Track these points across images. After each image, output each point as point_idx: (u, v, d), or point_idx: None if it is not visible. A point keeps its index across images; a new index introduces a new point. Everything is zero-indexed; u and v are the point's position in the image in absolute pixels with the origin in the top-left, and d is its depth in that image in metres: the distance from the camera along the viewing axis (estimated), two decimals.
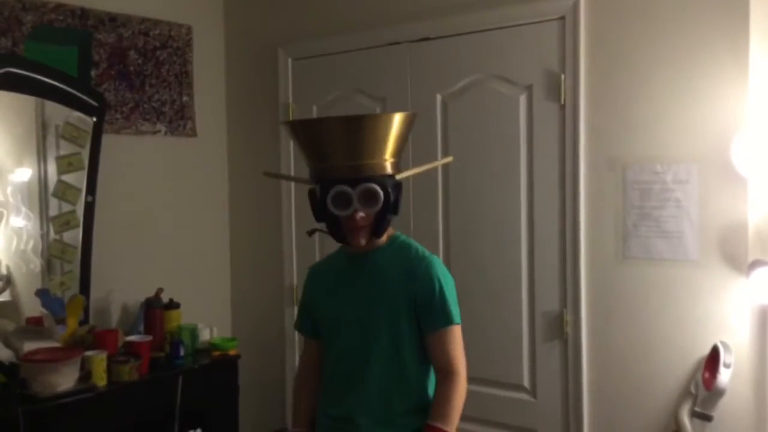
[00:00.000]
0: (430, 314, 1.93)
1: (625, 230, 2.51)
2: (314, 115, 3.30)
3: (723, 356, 2.24)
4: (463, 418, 2.85)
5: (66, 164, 2.92)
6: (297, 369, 2.28)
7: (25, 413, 2.38)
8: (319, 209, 1.90)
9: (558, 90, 2.63)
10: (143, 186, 3.24)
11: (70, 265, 2.97)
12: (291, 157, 3.37)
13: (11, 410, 2.37)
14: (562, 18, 2.61)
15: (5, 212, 2.93)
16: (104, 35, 3.09)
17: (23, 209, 2.90)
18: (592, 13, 2.56)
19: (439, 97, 2.94)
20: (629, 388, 2.51)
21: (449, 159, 2.35)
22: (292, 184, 3.37)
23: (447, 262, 2.92)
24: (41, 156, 2.99)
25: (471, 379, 2.80)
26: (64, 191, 2.91)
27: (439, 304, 1.93)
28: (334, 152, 1.88)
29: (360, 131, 1.87)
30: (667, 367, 2.43)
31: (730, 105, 2.31)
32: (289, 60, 3.39)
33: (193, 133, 3.45)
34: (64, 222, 2.92)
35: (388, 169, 1.90)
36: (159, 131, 3.31)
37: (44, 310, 2.81)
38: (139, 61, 3.23)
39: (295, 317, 2.24)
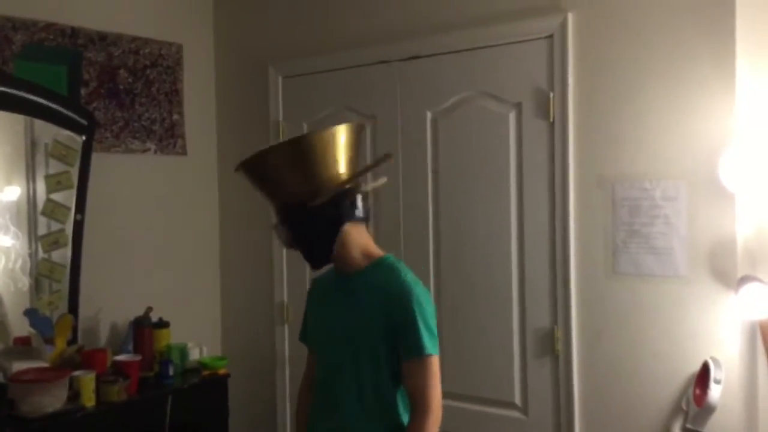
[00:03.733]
0: (404, 343, 1.87)
1: (614, 246, 2.52)
2: (305, 132, 3.30)
3: (713, 372, 2.24)
4: None
5: (55, 183, 2.91)
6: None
7: None
8: None
9: (547, 107, 2.65)
10: (133, 204, 3.23)
11: (59, 284, 2.95)
12: None
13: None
14: (551, 36, 2.64)
15: None
16: (94, 54, 3.09)
17: (11, 228, 2.88)
18: (580, 32, 2.59)
19: (429, 115, 2.95)
20: (620, 404, 2.51)
21: (383, 181, 2.19)
22: None
23: (437, 279, 2.93)
24: (30, 175, 2.97)
25: (463, 397, 2.85)
26: (52, 210, 2.90)
27: (412, 333, 1.85)
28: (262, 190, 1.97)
29: (265, 169, 1.93)
30: (657, 383, 2.43)
31: (717, 121, 2.33)
32: (280, 78, 3.40)
33: (184, 152, 3.45)
34: (52, 241, 2.91)
35: (282, 209, 1.91)
36: (149, 150, 3.30)
37: (32, 330, 2.79)
38: (129, 80, 3.24)
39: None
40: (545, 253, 2.67)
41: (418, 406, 1.87)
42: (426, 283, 2.89)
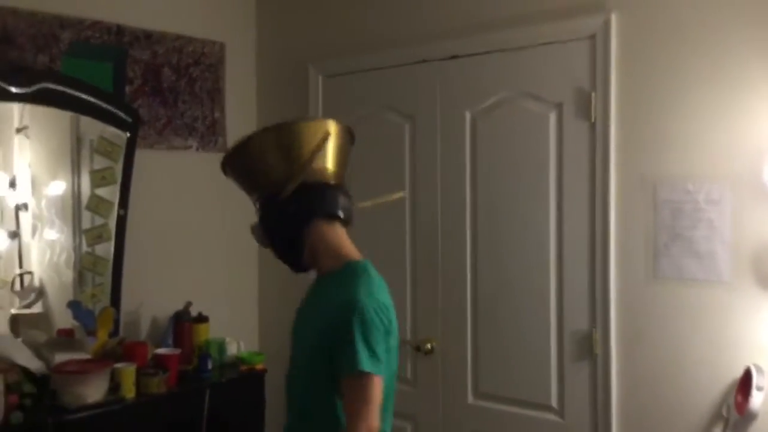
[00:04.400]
0: (339, 358, 1.70)
1: (656, 249, 2.48)
2: None
3: (756, 379, 2.20)
4: None
5: (99, 178, 2.97)
6: None
7: (55, 424, 2.41)
8: None
9: (588, 108, 2.62)
10: (174, 200, 3.28)
11: (102, 277, 3.01)
12: None
13: (41, 421, 2.40)
14: (593, 36, 2.61)
15: (39, 225, 2.99)
16: (139, 52, 3.15)
17: (57, 222, 2.96)
18: (623, 32, 2.55)
19: (468, 115, 2.94)
20: (659, 410, 2.47)
21: (399, 195, 2.15)
22: None
23: (474, 279, 2.91)
24: (75, 170, 3.05)
25: (498, 398, 2.83)
26: (97, 204, 2.96)
27: (349, 349, 1.67)
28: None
29: (237, 167, 1.92)
30: (698, 389, 2.38)
31: (763, 124, 2.28)
32: (320, 77, 3.42)
33: (225, 149, 3.48)
34: (96, 235, 2.97)
35: (271, 188, 1.82)
36: (191, 147, 3.35)
37: (75, 322, 2.85)
38: (173, 78, 3.29)
39: None
40: (585, 255, 2.64)
41: (349, 427, 1.68)
42: (462, 284, 2.91)
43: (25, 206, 2.96)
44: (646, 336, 2.50)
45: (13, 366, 2.50)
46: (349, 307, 1.69)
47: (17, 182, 2.93)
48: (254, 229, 1.90)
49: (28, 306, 2.97)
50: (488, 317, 2.88)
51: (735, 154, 2.33)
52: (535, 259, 2.76)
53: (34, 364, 2.57)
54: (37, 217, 2.97)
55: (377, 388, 1.68)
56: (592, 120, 2.61)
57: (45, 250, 3.03)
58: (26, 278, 2.98)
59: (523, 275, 2.80)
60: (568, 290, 2.68)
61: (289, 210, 1.81)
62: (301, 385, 1.83)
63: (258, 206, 1.88)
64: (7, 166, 2.90)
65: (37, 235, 2.98)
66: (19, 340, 2.72)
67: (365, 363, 1.65)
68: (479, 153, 2.91)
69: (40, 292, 3.04)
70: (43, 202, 3.01)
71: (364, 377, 1.66)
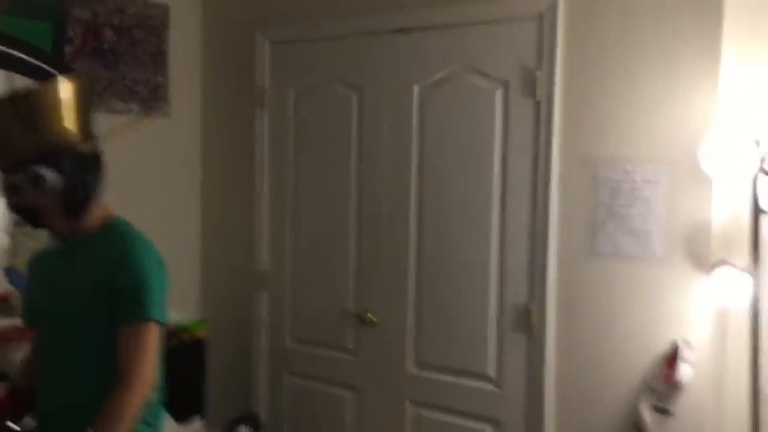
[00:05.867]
0: (124, 305, 1.79)
1: (594, 226, 2.56)
2: (291, 100, 3.29)
3: (683, 353, 2.31)
4: (428, 405, 2.94)
5: None
6: None
7: None
8: None
9: (533, 86, 2.67)
10: (114, 165, 3.18)
11: (37, 242, 2.93)
12: (265, 141, 3.37)
13: None
14: (541, 16, 2.65)
15: None
16: (79, 11, 3.05)
17: None
18: (570, 12, 2.60)
19: (416, 88, 2.95)
20: (593, 380, 2.57)
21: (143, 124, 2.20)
22: (266, 167, 3.36)
23: (419, 251, 2.95)
24: None
25: (438, 368, 2.89)
26: None
27: (134, 295, 1.79)
28: None
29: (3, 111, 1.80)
30: (630, 361, 2.49)
31: (700, 108, 2.37)
32: (267, 43, 3.37)
33: (167, 114, 3.42)
34: None
35: (52, 146, 1.79)
36: (132, 111, 3.27)
37: (11, 287, 2.78)
38: (114, 39, 3.20)
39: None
40: (525, 231, 2.70)
41: (123, 376, 1.75)
42: (406, 255, 2.96)
43: None
44: (581, 309, 2.60)
45: None
46: (131, 256, 1.87)
47: None
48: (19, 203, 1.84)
49: None
50: (430, 289, 2.93)
51: (673, 138, 2.42)
52: (478, 233, 2.81)
53: None
54: None
55: (156, 338, 1.86)
56: (537, 99, 2.66)
57: None
58: None
59: (465, 249, 2.85)
60: (508, 264, 2.75)
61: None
62: (79, 347, 1.87)
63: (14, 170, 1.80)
64: None
65: None
66: None
67: (154, 311, 1.85)
68: (426, 127, 2.94)
69: None
70: None
71: (149, 325, 1.84)
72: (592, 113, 2.57)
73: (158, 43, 3.38)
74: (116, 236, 1.90)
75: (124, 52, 3.24)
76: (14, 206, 1.84)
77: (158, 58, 3.39)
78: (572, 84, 2.60)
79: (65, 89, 1.82)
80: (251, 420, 3.20)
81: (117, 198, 3.20)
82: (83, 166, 1.84)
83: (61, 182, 1.78)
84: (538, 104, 2.66)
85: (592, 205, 2.56)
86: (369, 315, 3.07)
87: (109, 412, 1.74)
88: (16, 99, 1.81)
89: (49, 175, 1.77)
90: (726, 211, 2.36)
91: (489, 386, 2.81)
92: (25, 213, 1.86)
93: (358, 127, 3.11)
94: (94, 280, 1.83)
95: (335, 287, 3.18)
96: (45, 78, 2.85)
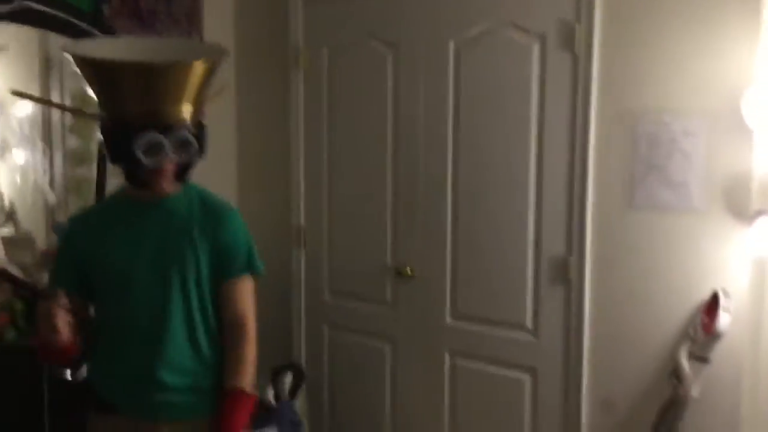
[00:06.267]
0: (233, 260, 1.92)
1: (632, 179, 2.59)
2: (326, 58, 3.31)
3: (722, 301, 2.35)
4: (465, 355, 3.01)
5: (80, 100, 2.94)
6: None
7: None
8: (118, 153, 1.79)
9: (572, 40, 2.67)
10: None
11: (85, 199, 3.01)
12: (300, 99, 3.40)
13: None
14: None
15: (7, 146, 2.94)
16: None
17: (39, 144, 2.93)
18: None
19: (452, 44, 2.96)
20: (630, 331, 2.62)
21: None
22: (301, 125, 3.40)
23: (455, 205, 2.99)
24: (45, 91, 3.00)
25: (476, 318, 2.96)
26: (80, 127, 2.94)
27: (244, 248, 1.95)
28: (136, 96, 1.75)
29: (163, 77, 1.76)
30: (668, 311, 2.54)
31: (741, 59, 2.37)
32: (300, 1, 3.38)
33: None
34: (79, 157, 2.96)
35: (192, 114, 1.83)
36: None
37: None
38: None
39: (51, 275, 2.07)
40: (563, 184, 2.73)
41: (241, 326, 1.91)
42: (443, 210, 3.01)
43: None
44: (620, 261, 2.63)
45: (3, 285, 2.53)
46: (233, 216, 2.02)
47: None
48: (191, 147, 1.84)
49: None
50: (467, 242, 2.98)
51: (713, 90, 2.42)
52: (515, 187, 2.84)
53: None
54: (4, 139, 2.93)
55: None
56: (575, 52, 2.67)
57: (14, 172, 3.00)
58: None
59: (502, 202, 2.89)
60: (546, 217, 2.78)
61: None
62: (187, 305, 1.90)
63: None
64: None
65: (5, 157, 2.94)
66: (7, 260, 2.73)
67: (260, 267, 2.04)
68: (462, 83, 2.95)
69: (9, 214, 3.02)
70: (13, 123, 2.96)
71: (252, 280, 2.00)
72: (631, 66, 2.57)
73: (193, 3, 3.40)
74: (201, 196, 1.96)
75: (160, 11, 3.27)
76: (151, 163, 1.77)
77: (193, 17, 3.41)
78: (611, 36, 2.60)
79: (210, 63, 1.85)
80: (294, 369, 3.30)
81: None
82: (205, 135, 1.89)
83: (196, 148, 1.83)
84: (576, 57, 2.67)
85: (631, 158, 2.58)
86: (406, 268, 3.13)
87: (242, 363, 1.88)
88: (178, 67, 1.78)
89: (192, 140, 1.80)
90: (766, 161, 2.37)
91: (526, 336, 2.87)
92: (149, 171, 1.81)
93: (394, 84, 3.13)
94: (196, 237, 1.88)
95: (372, 241, 3.24)
96: (81, 36, 2.92)
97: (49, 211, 3.02)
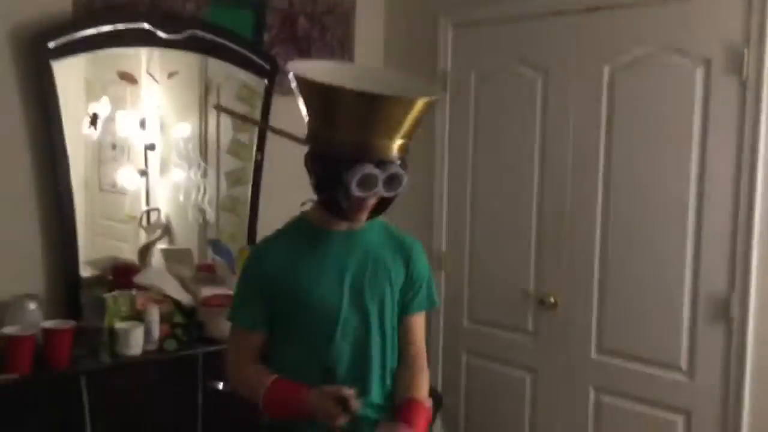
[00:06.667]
0: (420, 293, 1.87)
1: None
2: (473, 83, 3.31)
3: None
4: (619, 393, 2.88)
5: (240, 123, 3.09)
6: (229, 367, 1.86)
7: (204, 353, 2.58)
8: (326, 181, 1.68)
9: (740, 64, 2.52)
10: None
11: (239, 218, 3.16)
12: (446, 124, 3.41)
13: (192, 350, 2.58)
14: None
15: (167, 165, 3.11)
16: (278, 1, 3.22)
17: (202, 165, 3.10)
18: None
19: (606, 70, 2.88)
20: None
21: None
22: (446, 149, 3.41)
23: (604, 239, 2.89)
24: (203, 114, 3.17)
25: (623, 355, 2.83)
26: (237, 149, 3.09)
27: (428, 285, 1.89)
28: (355, 126, 1.63)
29: (387, 110, 1.63)
30: None
31: None
32: (450, 26, 3.41)
33: None
34: (236, 178, 3.11)
35: (402, 149, 1.69)
36: None
37: (216, 258, 3.01)
38: (307, 26, 3.35)
39: (235, 308, 1.85)
40: (727, 215, 2.57)
41: (420, 363, 1.88)
42: (590, 239, 2.91)
43: (153, 146, 3.10)
44: None
45: (166, 297, 2.68)
46: (420, 249, 1.91)
47: (147, 123, 3.05)
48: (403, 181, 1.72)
49: (154, 242, 3.14)
50: (616, 273, 2.87)
51: None
52: (672, 217, 2.71)
53: (183, 296, 2.74)
54: (165, 158, 3.10)
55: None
56: (744, 77, 2.52)
57: (172, 189, 3.18)
58: (153, 215, 3.14)
59: (657, 233, 2.76)
60: (707, 250, 2.63)
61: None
62: (381, 348, 1.83)
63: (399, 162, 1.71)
64: (138, 107, 3.03)
65: (164, 175, 3.12)
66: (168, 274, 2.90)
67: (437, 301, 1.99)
68: (617, 109, 2.86)
69: (166, 229, 3.20)
70: (173, 144, 3.14)
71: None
72: None
73: (346, 29, 3.51)
74: (386, 229, 1.89)
75: (316, 38, 3.39)
76: (362, 195, 1.67)
77: (346, 44, 3.52)
78: None
79: (433, 102, 1.72)
80: (434, 397, 3.27)
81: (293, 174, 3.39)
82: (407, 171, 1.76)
83: (404, 185, 1.72)
84: (744, 83, 2.52)
85: None
86: (550, 298, 3.05)
87: (422, 398, 1.82)
88: (404, 102, 1.65)
89: (403, 177, 1.69)
90: None
91: (679, 376, 2.71)
92: (353, 203, 1.70)
93: (542, 110, 3.08)
94: (391, 270, 1.82)
95: (514, 268, 3.18)
96: (248, 65, 3.07)
97: (204, 229, 3.18)
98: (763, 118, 2.48)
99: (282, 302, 1.77)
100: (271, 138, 3.13)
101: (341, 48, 3.50)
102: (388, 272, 1.82)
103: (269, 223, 3.13)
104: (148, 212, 3.13)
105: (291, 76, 1.70)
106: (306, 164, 1.73)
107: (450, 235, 3.45)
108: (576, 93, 2.97)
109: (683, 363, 2.70)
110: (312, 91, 1.67)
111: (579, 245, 2.97)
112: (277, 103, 3.16)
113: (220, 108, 2.10)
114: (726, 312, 2.59)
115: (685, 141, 2.66)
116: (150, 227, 3.16)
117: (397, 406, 1.80)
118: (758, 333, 2.52)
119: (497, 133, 3.26)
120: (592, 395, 2.96)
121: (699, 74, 2.63)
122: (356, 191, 1.64)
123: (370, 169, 1.63)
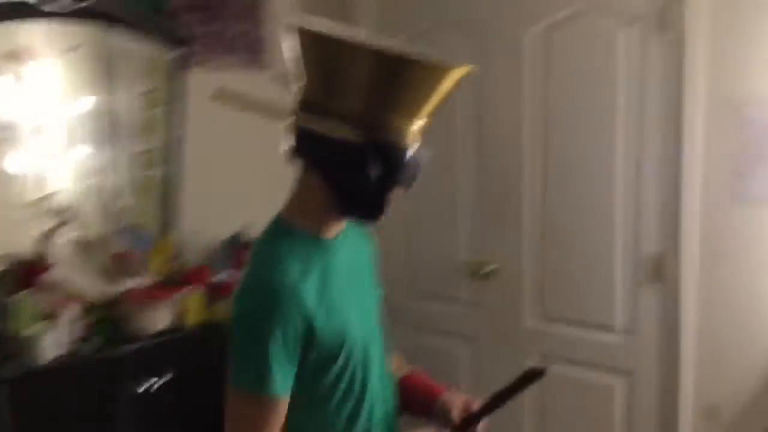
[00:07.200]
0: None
1: (740, 171, 2.41)
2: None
3: None
4: (561, 359, 2.86)
5: (149, 100, 2.85)
6: None
7: (127, 351, 2.38)
8: (363, 173, 1.29)
9: (670, 22, 2.48)
10: (225, 121, 3.14)
11: (156, 201, 2.93)
12: None
13: (114, 347, 2.37)
14: None
15: (71, 146, 2.85)
16: None
17: (112, 143, 2.85)
18: None
19: (531, 32, 2.80)
20: (738, 331, 2.47)
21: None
22: None
23: (541, 202, 2.84)
24: (111, 89, 2.91)
25: (562, 320, 2.81)
26: (152, 125, 2.85)
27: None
28: (411, 105, 1.29)
29: (434, 82, 1.29)
30: None
31: None
32: None
33: (270, 67, 3.34)
34: (151, 158, 2.87)
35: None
36: (235, 65, 3.20)
37: (132, 247, 2.78)
38: None
39: (263, 373, 1.29)
40: (662, 177, 2.57)
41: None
42: (529, 208, 2.84)
43: (50, 126, 2.83)
44: (726, 258, 2.47)
45: (79, 294, 2.45)
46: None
47: (43, 101, 2.77)
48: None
49: (55, 230, 2.88)
50: (553, 239, 2.83)
51: None
52: (606, 180, 2.68)
53: (98, 291, 2.52)
54: (69, 138, 2.83)
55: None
56: (674, 35, 2.48)
57: (78, 171, 2.92)
58: (55, 200, 2.87)
59: (591, 197, 2.73)
60: (642, 212, 2.62)
61: None
62: (384, 355, 1.55)
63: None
64: (31, 85, 2.75)
65: (67, 156, 2.85)
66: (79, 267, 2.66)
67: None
68: (549, 70, 2.78)
69: (69, 214, 2.95)
70: (77, 122, 2.87)
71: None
72: (737, 49, 2.39)
73: None
74: (359, 229, 1.55)
75: (226, 6, 3.15)
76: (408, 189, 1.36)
77: (259, 11, 3.29)
78: (713, 18, 2.42)
79: (467, 75, 1.37)
80: None
81: (229, 152, 3.15)
82: None
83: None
84: (675, 41, 2.48)
85: (739, 148, 2.40)
86: (487, 267, 2.99)
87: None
88: (454, 71, 1.32)
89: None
90: None
91: (620, 338, 2.71)
92: (384, 204, 1.36)
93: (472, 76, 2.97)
94: (374, 278, 1.57)
95: (450, 240, 3.10)
96: (155, 36, 2.82)
97: (116, 215, 2.94)
98: (693, 76, 2.46)
99: (315, 353, 1.33)
100: (192, 113, 2.90)
101: (254, 16, 3.27)
102: (372, 274, 1.57)
103: (191, 208, 2.96)
104: (48, 197, 2.85)
105: (298, 38, 1.30)
106: (310, 154, 1.33)
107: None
108: (503, 56, 2.88)
109: (623, 325, 2.70)
110: (367, 60, 1.25)
111: (515, 212, 2.91)
112: (188, 76, 2.93)
113: (218, 95, 1.52)
114: (661, 272, 2.59)
115: (615, 101, 2.63)
116: (51, 213, 2.89)
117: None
118: (699, 292, 2.54)
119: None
120: (533, 362, 2.92)
121: (629, 32, 2.58)
122: (407, 182, 1.33)
123: (421, 157, 1.32)
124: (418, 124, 1.32)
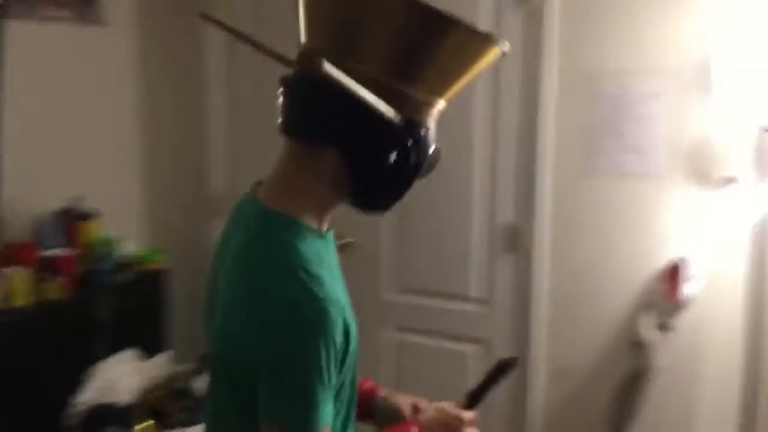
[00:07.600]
0: None
1: (592, 144, 2.49)
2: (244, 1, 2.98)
3: (686, 270, 2.30)
4: (415, 330, 2.85)
5: None
6: None
7: None
8: (403, 153, 1.12)
9: None
10: (47, 81, 2.81)
11: None
12: (218, 47, 3.04)
13: None
14: None
15: None
16: None
17: None
18: None
19: None
20: (588, 299, 2.56)
21: None
22: (221, 78, 3.06)
23: None
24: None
25: (421, 291, 2.80)
26: None
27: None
28: (445, 77, 1.15)
29: (477, 57, 1.16)
30: (628, 279, 2.49)
31: (705, 18, 2.29)
32: None
33: (101, 22, 3.02)
34: None
35: None
36: (64, 18, 2.86)
37: None
38: None
39: (315, 408, 1.05)
40: (518, 149, 2.60)
41: None
42: None
43: None
44: (578, 228, 2.55)
45: None
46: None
47: None
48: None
49: None
50: (411, 211, 2.79)
51: (676, 49, 2.35)
52: (464, 151, 2.68)
53: None
54: None
55: None
56: (530, 8, 2.51)
57: None
58: None
59: (449, 169, 2.69)
60: (498, 183, 2.66)
61: None
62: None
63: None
64: None
65: None
66: None
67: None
68: None
69: None
70: None
71: None
72: (591, 24, 2.46)
73: None
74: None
75: None
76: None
77: None
78: None
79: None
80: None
81: (54, 116, 2.83)
82: None
83: None
84: (533, 14, 2.51)
85: (590, 122, 2.48)
86: (341, 239, 2.90)
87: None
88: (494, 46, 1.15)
89: None
90: (730, 126, 2.32)
91: (477, 307, 2.74)
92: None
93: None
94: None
95: None
96: None
97: None
98: (549, 51, 2.50)
99: (346, 360, 1.12)
100: (12, 69, 2.54)
101: None
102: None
103: (13, 175, 2.61)
104: None
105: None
106: (333, 121, 1.10)
107: (229, 177, 3.14)
108: None
109: (478, 294, 2.73)
110: (401, 10, 1.05)
111: None
112: (7, 29, 2.57)
113: (206, 18, 1.29)
114: (516, 243, 2.64)
115: None
116: None
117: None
118: (551, 261, 2.61)
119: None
120: (392, 335, 2.90)
121: (487, 3, 2.57)
122: (430, 168, 1.20)
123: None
124: (440, 106, 1.17)
